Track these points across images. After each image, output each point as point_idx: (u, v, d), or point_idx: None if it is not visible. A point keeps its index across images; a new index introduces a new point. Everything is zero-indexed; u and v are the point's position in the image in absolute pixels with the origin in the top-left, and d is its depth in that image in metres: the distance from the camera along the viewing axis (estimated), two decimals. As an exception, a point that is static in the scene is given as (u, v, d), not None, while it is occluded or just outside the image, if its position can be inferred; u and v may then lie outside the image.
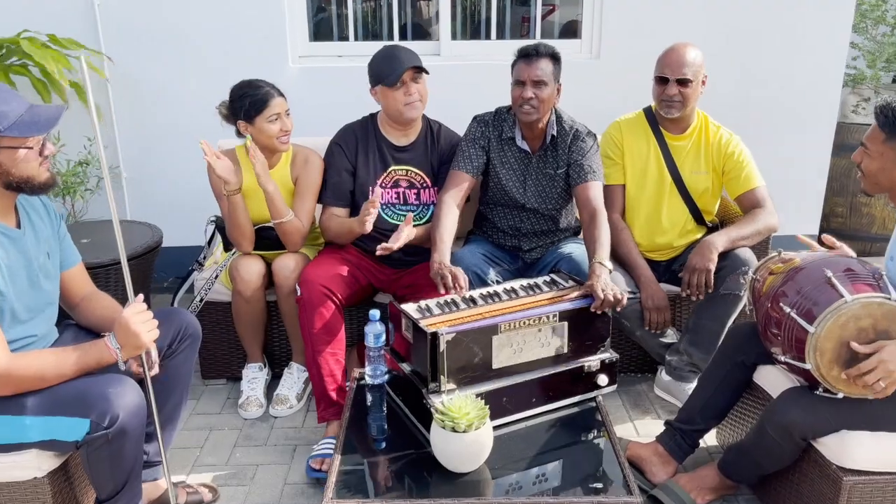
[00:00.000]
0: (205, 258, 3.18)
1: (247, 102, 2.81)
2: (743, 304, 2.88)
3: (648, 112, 3.10)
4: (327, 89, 4.06)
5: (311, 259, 2.98)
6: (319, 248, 3.10)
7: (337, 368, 2.72)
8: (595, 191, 2.85)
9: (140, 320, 1.98)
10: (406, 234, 2.68)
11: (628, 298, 2.84)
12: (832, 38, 4.14)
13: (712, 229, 3.21)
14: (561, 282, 2.62)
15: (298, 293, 2.73)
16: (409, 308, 2.41)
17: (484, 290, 2.55)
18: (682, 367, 3.03)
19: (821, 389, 2.07)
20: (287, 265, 2.87)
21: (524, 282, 2.61)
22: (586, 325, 2.38)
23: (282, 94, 2.87)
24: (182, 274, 3.24)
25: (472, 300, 2.48)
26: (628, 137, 3.08)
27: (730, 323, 2.91)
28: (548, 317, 2.30)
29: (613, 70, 4.10)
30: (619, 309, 2.38)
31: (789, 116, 4.25)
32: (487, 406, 2.09)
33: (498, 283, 2.93)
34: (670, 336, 3.08)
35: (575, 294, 2.45)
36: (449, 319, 2.32)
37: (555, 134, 2.91)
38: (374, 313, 2.44)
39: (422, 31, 4.54)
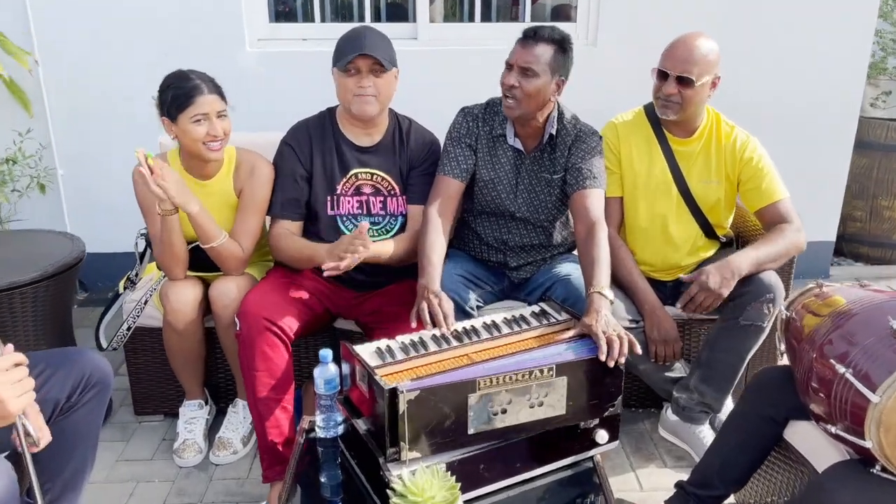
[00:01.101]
0: (137, 275, 2.72)
1: (169, 96, 2.34)
2: (765, 336, 2.46)
3: (650, 110, 2.65)
4: (290, 78, 3.60)
5: (259, 280, 2.52)
6: (270, 266, 2.64)
7: (284, 418, 2.28)
8: (595, 200, 2.41)
9: (6, 381, 1.51)
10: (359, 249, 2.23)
11: (630, 328, 2.41)
12: (856, 22, 3.69)
13: (726, 244, 2.78)
14: (552, 314, 2.18)
15: (238, 327, 2.28)
16: (365, 351, 1.97)
17: (459, 325, 2.11)
18: (693, 407, 2.60)
19: (878, 468, 1.64)
20: (226, 291, 2.41)
21: (508, 313, 2.18)
22: (592, 381, 1.93)
23: (218, 92, 2.39)
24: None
25: (444, 339, 2.04)
26: (626, 141, 2.64)
27: (749, 357, 2.48)
28: (541, 371, 1.86)
29: (612, 60, 3.64)
30: (626, 355, 1.93)
31: (806, 110, 3.81)
32: (459, 483, 1.66)
33: (479, 307, 2.50)
34: (678, 369, 2.66)
35: (570, 334, 2.01)
36: (414, 368, 1.88)
37: (553, 133, 2.46)
38: (325, 354, 2.02)
39: (401, 12, 4.06)
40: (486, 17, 3.85)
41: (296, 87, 3.54)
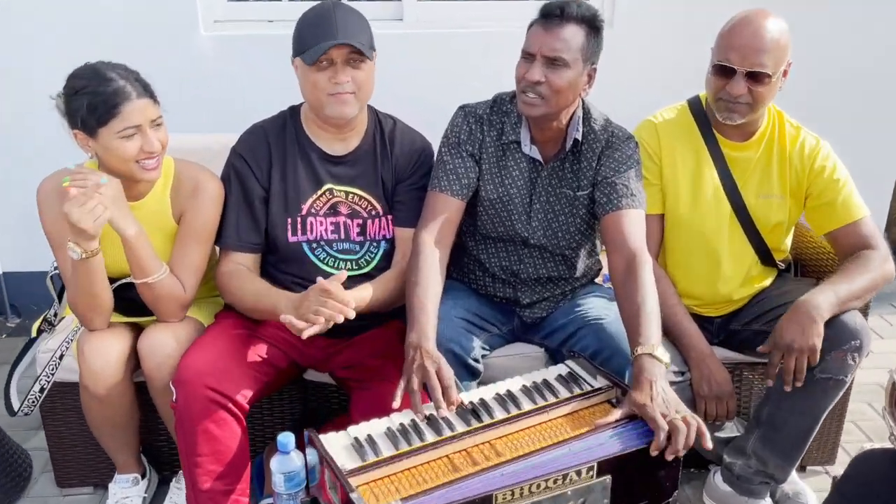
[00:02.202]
0: (56, 316, 2.18)
1: (84, 104, 1.76)
2: (844, 390, 1.96)
3: (696, 106, 2.14)
4: (252, 67, 3.04)
5: (206, 326, 1.99)
6: (220, 307, 2.10)
7: (235, 515, 1.76)
8: (634, 224, 1.89)
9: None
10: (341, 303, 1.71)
11: (673, 381, 1.91)
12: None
13: (783, 271, 2.27)
14: (585, 378, 1.67)
15: (174, 396, 1.75)
16: (337, 445, 1.46)
17: (465, 396, 1.60)
18: (750, 476, 2.09)
19: None
20: (160, 345, 1.87)
21: (527, 378, 1.67)
22: (643, 478, 1.44)
23: (149, 94, 1.83)
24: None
25: (446, 422, 1.52)
26: (668, 145, 2.12)
27: (823, 418, 1.99)
28: (578, 472, 1.35)
29: (633, 43, 3.10)
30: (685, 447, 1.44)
31: (859, 95, 3.28)
32: None
33: (484, 356, 1.99)
34: (730, 428, 2.16)
35: (614, 417, 1.50)
36: (405, 472, 1.37)
37: (579, 138, 1.94)
38: (285, 441, 1.53)
39: (380, -11, 3.51)
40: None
41: (260, 78, 3.00)
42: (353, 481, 1.34)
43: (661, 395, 1.50)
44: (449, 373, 1.61)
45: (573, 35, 1.80)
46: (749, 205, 2.11)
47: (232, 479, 1.75)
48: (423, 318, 1.72)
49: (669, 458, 1.44)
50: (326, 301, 1.67)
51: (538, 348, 2.10)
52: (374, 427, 1.52)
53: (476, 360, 1.92)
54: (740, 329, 2.18)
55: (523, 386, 1.64)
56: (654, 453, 1.43)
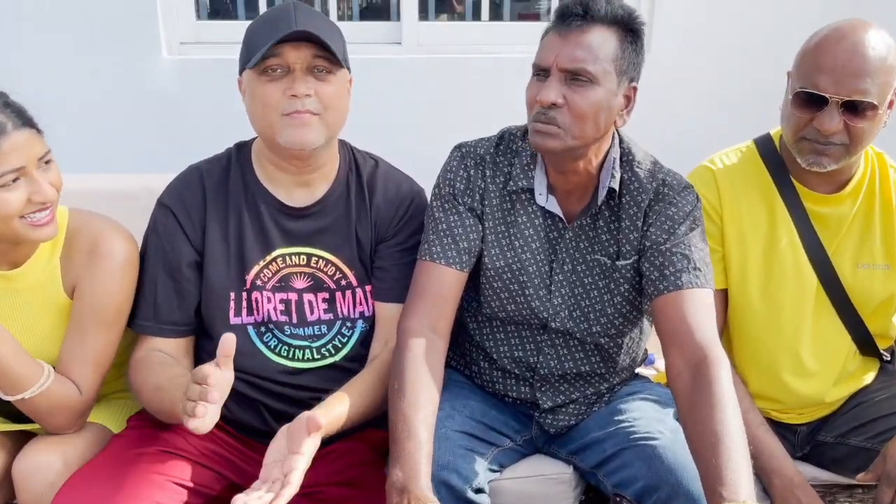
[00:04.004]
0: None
1: None
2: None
3: (767, 148, 1.64)
4: (221, 94, 2.55)
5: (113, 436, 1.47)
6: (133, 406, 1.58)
7: None
8: (701, 311, 1.37)
9: None
10: (306, 456, 1.18)
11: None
12: None
13: (889, 363, 1.74)
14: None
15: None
16: None
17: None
18: None
19: None
20: (39, 470, 1.35)
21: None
22: None
23: (29, 124, 1.34)
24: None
25: None
26: (731, 200, 1.61)
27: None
28: None
29: (668, 65, 2.61)
30: None
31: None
32: None
33: (492, 480, 1.47)
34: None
35: None
36: None
37: (616, 187, 1.43)
38: None
39: (376, 10, 3.07)
40: (496, 15, 2.83)
41: (228, 107, 2.52)
42: None
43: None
44: None
45: (602, 41, 1.32)
46: (843, 277, 1.59)
47: None
48: (412, 447, 1.20)
49: None
50: (207, 379, 1.15)
51: (566, 466, 1.56)
52: None
53: (479, 491, 1.39)
54: (833, 442, 1.65)
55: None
56: None
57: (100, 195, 1.63)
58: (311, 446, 1.17)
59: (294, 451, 1.16)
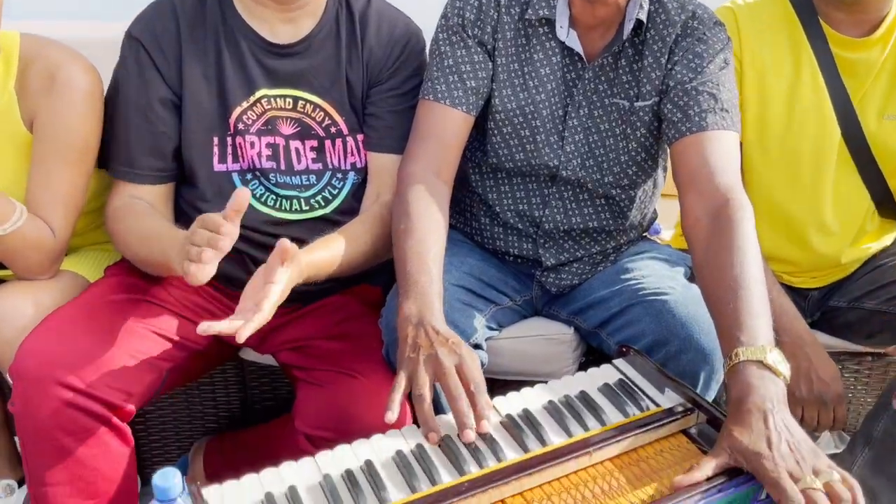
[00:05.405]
0: None
1: None
2: None
3: None
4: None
5: (90, 285, 1.39)
6: (113, 256, 1.49)
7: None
8: (726, 154, 1.26)
9: None
10: (280, 284, 1.09)
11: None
12: None
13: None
14: (645, 391, 1.07)
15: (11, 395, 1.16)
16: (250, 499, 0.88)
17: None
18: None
19: None
20: (11, 314, 1.26)
21: (552, 390, 1.09)
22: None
23: None
24: None
25: (474, 451, 0.95)
26: (752, 42, 1.49)
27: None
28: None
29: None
30: None
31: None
32: None
33: (490, 337, 1.41)
34: (826, 442, 1.59)
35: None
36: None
37: (643, 19, 1.30)
38: (164, 485, 0.94)
39: None
40: None
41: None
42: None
43: (784, 435, 0.91)
44: (475, 366, 1.03)
45: None
46: (867, 129, 1.49)
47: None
48: (425, 281, 1.12)
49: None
50: (220, 227, 1.07)
51: (566, 327, 1.49)
52: (331, 462, 0.93)
53: (477, 346, 1.33)
54: (846, 307, 1.59)
55: (549, 403, 1.04)
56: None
57: (77, 39, 1.47)
58: (284, 275, 1.09)
59: (269, 281, 1.08)
